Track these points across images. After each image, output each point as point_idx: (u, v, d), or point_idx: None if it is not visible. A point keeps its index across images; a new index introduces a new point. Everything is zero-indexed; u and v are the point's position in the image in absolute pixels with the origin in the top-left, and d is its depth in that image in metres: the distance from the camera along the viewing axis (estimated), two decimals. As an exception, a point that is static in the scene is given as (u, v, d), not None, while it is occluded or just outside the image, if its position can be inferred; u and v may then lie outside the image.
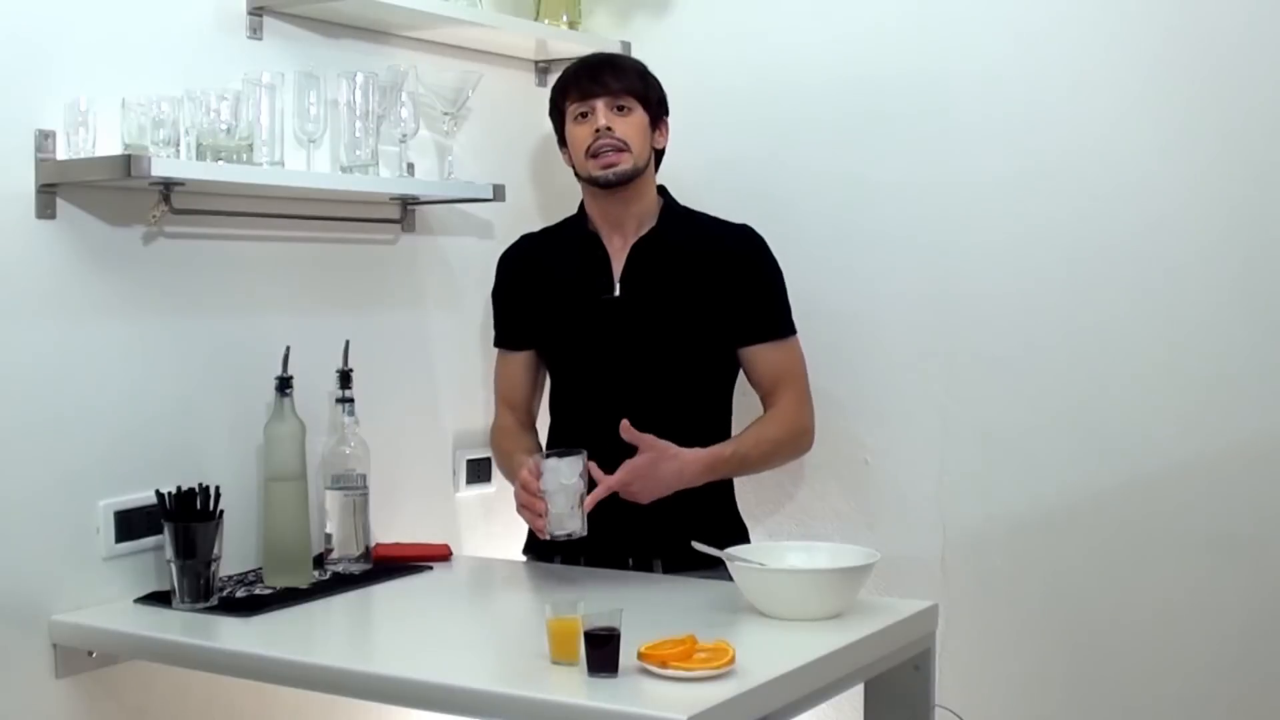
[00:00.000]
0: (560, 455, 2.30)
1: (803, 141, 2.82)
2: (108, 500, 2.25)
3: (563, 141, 2.57)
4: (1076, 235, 2.57)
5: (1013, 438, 2.65)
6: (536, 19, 2.94)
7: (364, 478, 2.49)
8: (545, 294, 2.60)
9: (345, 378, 2.50)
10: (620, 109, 2.48)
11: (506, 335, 2.67)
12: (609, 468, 2.34)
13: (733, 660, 1.82)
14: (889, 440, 2.76)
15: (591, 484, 2.30)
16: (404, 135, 2.63)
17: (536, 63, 3.08)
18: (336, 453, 2.48)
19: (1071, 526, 2.60)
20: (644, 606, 2.12)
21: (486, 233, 2.94)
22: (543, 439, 2.62)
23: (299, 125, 2.45)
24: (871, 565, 2.15)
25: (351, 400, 2.49)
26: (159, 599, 2.25)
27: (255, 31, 2.48)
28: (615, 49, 2.97)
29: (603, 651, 1.81)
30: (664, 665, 1.80)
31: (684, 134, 2.69)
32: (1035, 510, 2.63)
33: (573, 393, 2.58)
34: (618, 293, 2.51)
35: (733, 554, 2.18)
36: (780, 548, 2.30)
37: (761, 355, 2.51)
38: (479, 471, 2.93)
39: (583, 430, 2.50)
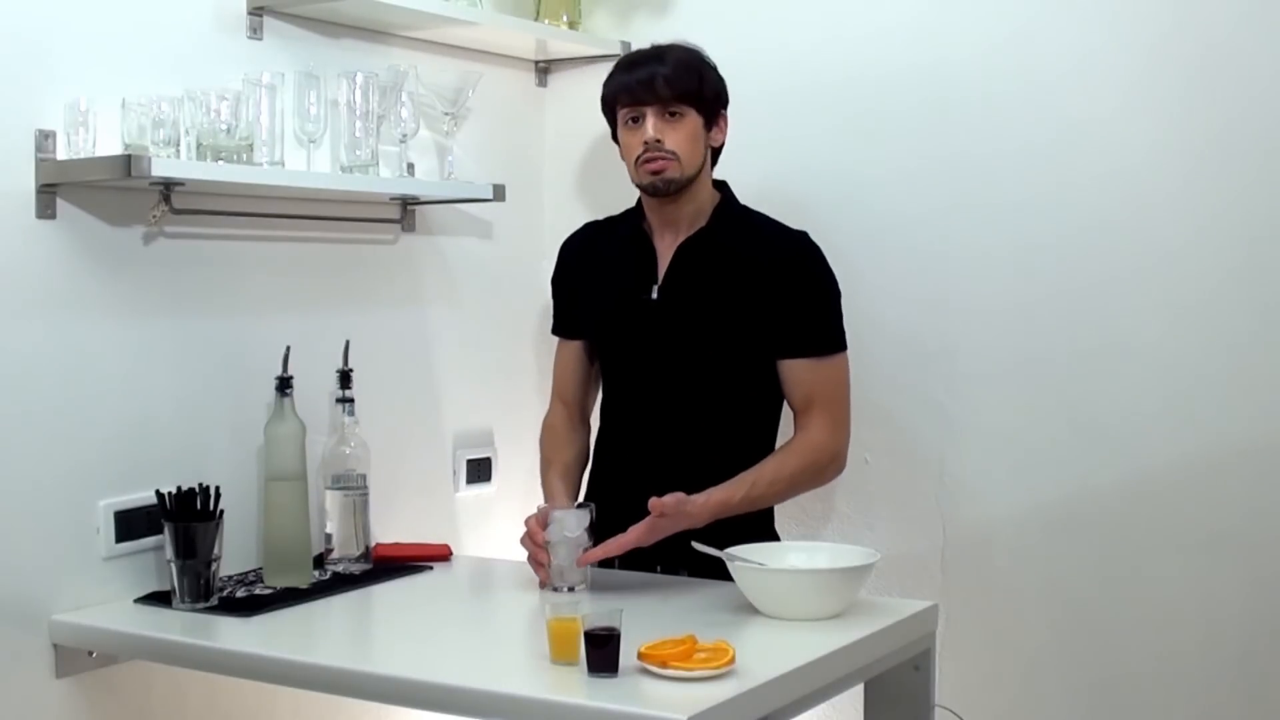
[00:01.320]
0: (568, 508, 2.29)
1: (803, 140, 2.82)
2: (108, 500, 2.25)
3: (616, 138, 2.51)
4: (1077, 235, 2.57)
5: (1013, 438, 2.65)
6: (536, 19, 2.94)
7: (364, 478, 2.49)
8: (595, 287, 2.57)
9: (345, 378, 2.50)
10: (672, 115, 2.39)
11: (560, 323, 2.65)
12: (650, 478, 2.34)
13: (733, 660, 1.82)
14: (889, 440, 2.76)
15: (599, 536, 2.27)
16: (404, 135, 2.63)
17: (536, 63, 3.08)
18: (336, 453, 2.48)
19: (1071, 526, 2.60)
20: (644, 606, 2.13)
21: (486, 233, 2.94)
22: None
23: (299, 125, 2.45)
24: (871, 565, 2.16)
25: (352, 400, 2.49)
26: (159, 599, 2.25)
27: (255, 31, 2.48)
28: (615, 49, 2.97)
29: (603, 651, 1.81)
30: (664, 665, 1.80)
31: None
32: (1035, 510, 2.63)
33: (616, 394, 2.54)
34: (655, 295, 2.46)
35: (733, 554, 2.18)
36: (780, 548, 2.30)
37: (797, 370, 2.41)
38: (479, 471, 2.93)
39: (624, 435, 2.48)
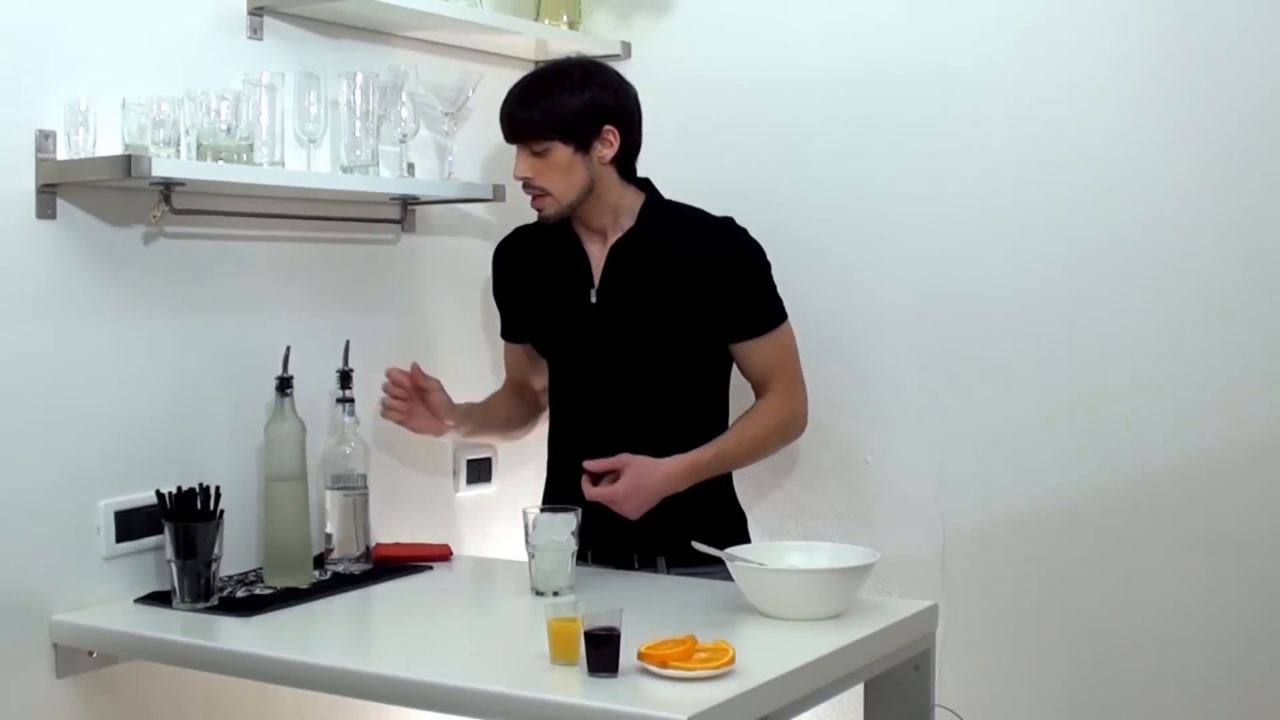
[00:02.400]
0: (554, 511, 2.29)
1: (803, 141, 2.82)
2: (108, 500, 2.25)
3: None
4: (1077, 235, 2.57)
5: (1013, 438, 2.65)
6: (536, 19, 2.93)
7: (364, 478, 2.49)
8: (532, 292, 2.61)
9: (345, 378, 2.50)
10: (536, 152, 2.43)
11: (506, 327, 2.71)
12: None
13: (733, 660, 1.82)
14: (889, 440, 2.76)
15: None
16: (404, 135, 2.63)
17: (536, 63, 3.07)
18: (336, 453, 2.48)
19: (1071, 527, 2.60)
20: (644, 606, 2.12)
21: (486, 233, 2.94)
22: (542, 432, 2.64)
23: (299, 125, 2.45)
24: (871, 565, 2.16)
25: (352, 400, 2.49)
26: (159, 599, 2.25)
27: (255, 31, 2.48)
28: (615, 49, 2.97)
29: (603, 651, 1.81)
30: (664, 665, 1.80)
31: (683, 133, 2.70)
32: (1035, 510, 2.63)
33: (564, 392, 2.59)
34: (594, 299, 2.50)
35: (733, 554, 2.18)
36: (780, 548, 2.30)
37: (751, 350, 2.49)
38: (479, 471, 2.93)
39: (576, 429, 2.52)
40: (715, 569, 2.27)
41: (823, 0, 2.80)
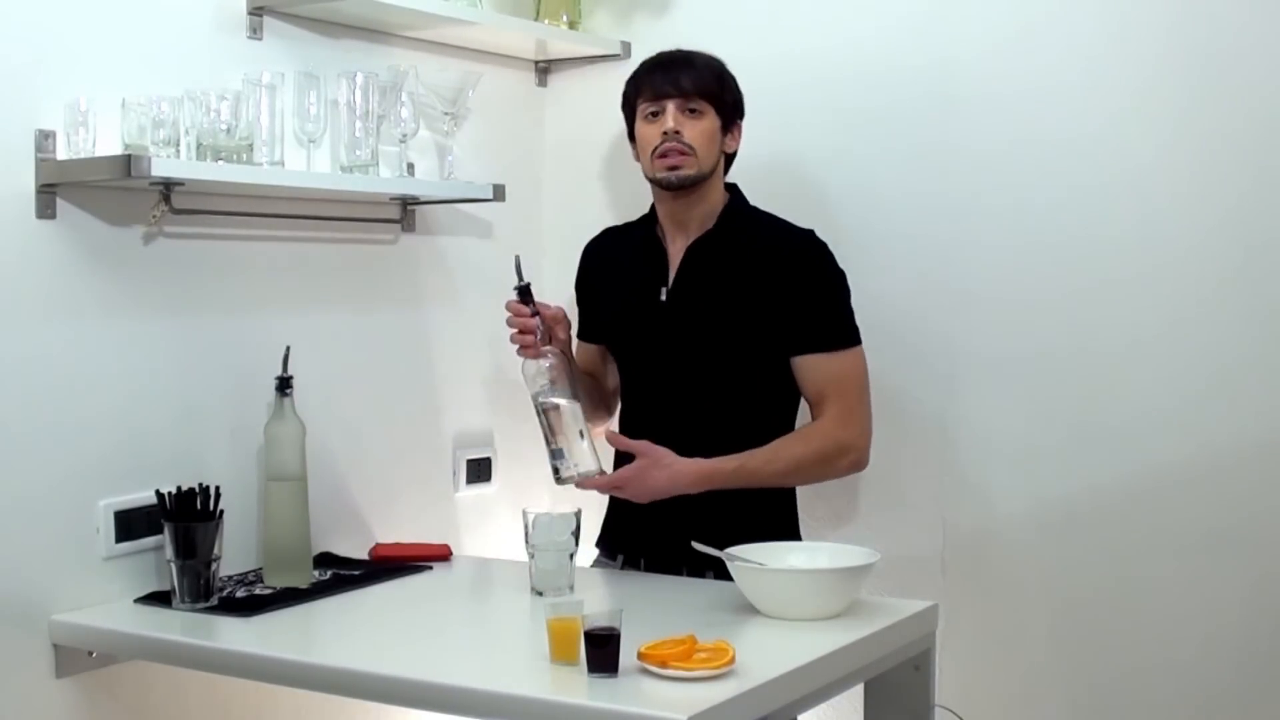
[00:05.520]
0: (553, 514, 2.29)
1: (803, 140, 2.82)
2: (108, 500, 2.25)
3: (632, 136, 2.53)
4: (1077, 235, 2.57)
5: (1013, 438, 2.65)
6: (536, 19, 2.94)
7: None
8: (610, 291, 2.60)
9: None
10: (692, 111, 2.42)
11: (582, 326, 2.68)
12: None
13: (733, 660, 1.82)
14: (889, 440, 2.75)
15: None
16: (404, 135, 2.63)
17: (536, 63, 3.08)
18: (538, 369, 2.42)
19: (1071, 526, 2.60)
20: (644, 606, 2.13)
21: (486, 233, 2.94)
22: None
23: (299, 125, 2.45)
24: (871, 565, 2.16)
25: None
26: (159, 599, 2.25)
27: (255, 31, 2.48)
28: (615, 49, 2.97)
29: (603, 651, 1.81)
30: (664, 665, 1.80)
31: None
32: (1035, 510, 2.63)
33: (631, 390, 2.57)
34: (664, 297, 2.48)
35: (733, 554, 2.18)
36: (780, 548, 2.29)
37: (809, 365, 2.42)
38: (479, 471, 2.93)
39: (642, 428, 2.49)
40: None
41: (822, 0, 2.80)
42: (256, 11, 2.48)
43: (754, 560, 2.17)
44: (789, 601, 2.10)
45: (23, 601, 2.15)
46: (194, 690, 2.36)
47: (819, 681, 1.95)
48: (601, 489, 2.43)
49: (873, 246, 2.74)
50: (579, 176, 3.09)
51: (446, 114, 2.72)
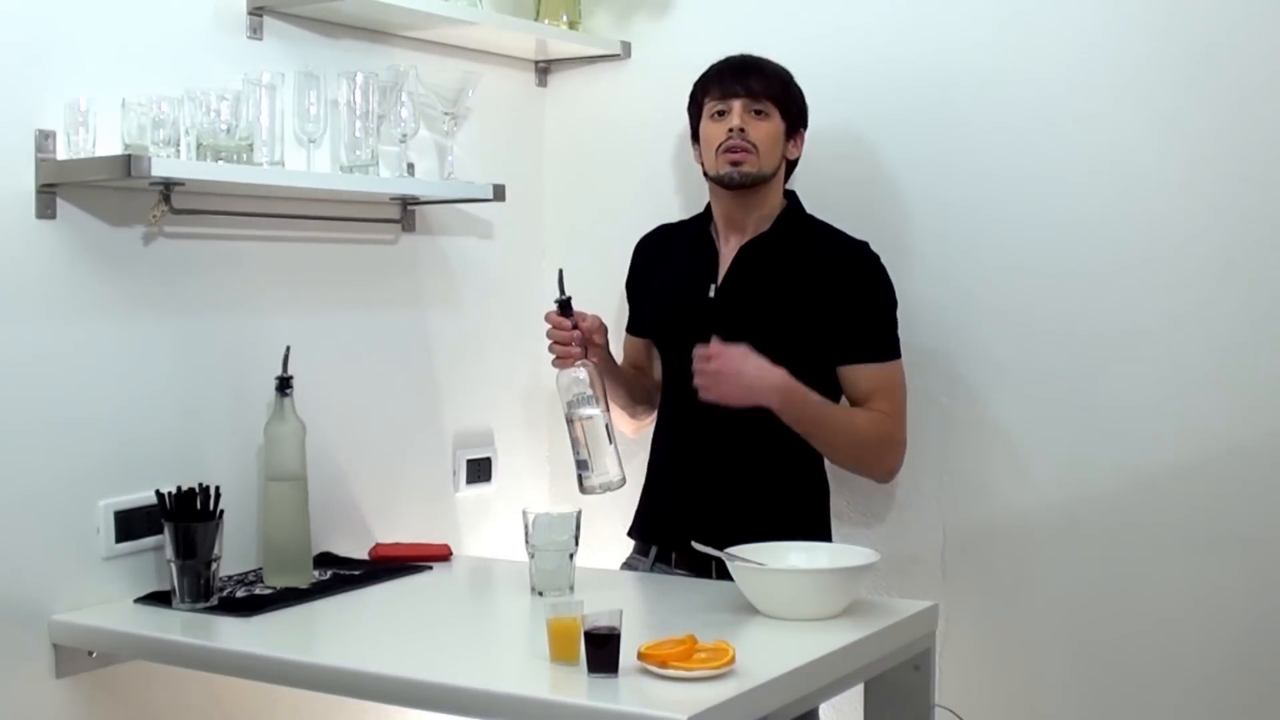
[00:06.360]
0: (553, 514, 2.29)
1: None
2: (108, 500, 2.25)
3: (695, 137, 2.55)
4: (1077, 234, 2.57)
5: (1013, 438, 2.65)
6: (536, 19, 2.94)
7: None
8: (659, 286, 2.62)
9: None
10: (758, 113, 2.45)
11: (630, 320, 2.71)
12: (700, 476, 2.44)
13: (733, 660, 1.82)
14: (889, 440, 2.76)
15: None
16: (404, 135, 2.63)
17: (536, 63, 3.08)
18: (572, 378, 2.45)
19: (1071, 527, 2.60)
20: (644, 606, 2.13)
21: (486, 233, 2.94)
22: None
23: (299, 125, 2.45)
24: (871, 565, 2.16)
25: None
26: (159, 599, 2.25)
27: (255, 31, 2.48)
28: (615, 49, 2.97)
29: (603, 651, 1.81)
30: (664, 665, 1.80)
31: (682, 133, 2.69)
32: (1035, 510, 2.63)
33: (673, 386, 2.56)
34: (713, 294, 2.49)
35: (733, 554, 2.18)
36: (780, 548, 2.29)
37: (856, 374, 2.44)
38: (479, 471, 2.93)
39: (682, 422, 2.50)
40: None
41: (823, 1, 2.80)
42: (256, 11, 2.48)
43: (754, 560, 2.17)
44: (789, 601, 2.10)
45: (23, 601, 2.15)
46: (194, 690, 2.36)
47: (819, 681, 1.95)
48: (697, 358, 2.34)
49: (870, 245, 2.74)
50: (579, 176, 3.09)
51: (446, 114, 2.72)
